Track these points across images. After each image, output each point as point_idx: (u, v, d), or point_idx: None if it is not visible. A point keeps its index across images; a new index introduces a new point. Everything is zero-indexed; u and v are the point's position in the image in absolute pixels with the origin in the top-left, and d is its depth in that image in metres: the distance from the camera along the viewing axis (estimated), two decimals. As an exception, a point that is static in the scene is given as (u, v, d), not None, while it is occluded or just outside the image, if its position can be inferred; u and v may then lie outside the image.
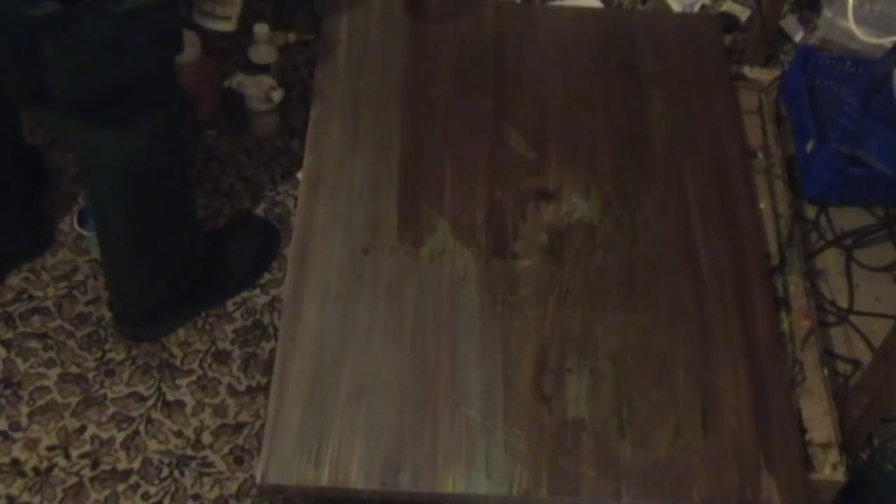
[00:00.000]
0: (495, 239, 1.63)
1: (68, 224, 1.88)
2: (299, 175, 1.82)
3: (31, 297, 1.81)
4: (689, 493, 1.42)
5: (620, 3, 2.28)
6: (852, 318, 1.82)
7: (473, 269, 1.59)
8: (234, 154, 2.01)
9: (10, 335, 1.76)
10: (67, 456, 1.66)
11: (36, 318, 1.78)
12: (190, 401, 1.72)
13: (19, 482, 1.62)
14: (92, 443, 1.67)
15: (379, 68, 1.83)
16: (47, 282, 1.83)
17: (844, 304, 1.83)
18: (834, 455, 1.53)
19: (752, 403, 1.49)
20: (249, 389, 1.74)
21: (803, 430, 1.54)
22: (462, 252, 1.61)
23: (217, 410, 1.71)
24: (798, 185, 1.95)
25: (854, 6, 1.97)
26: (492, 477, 1.41)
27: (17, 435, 1.67)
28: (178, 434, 1.69)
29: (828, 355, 1.72)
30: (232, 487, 1.64)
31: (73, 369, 1.74)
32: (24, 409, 1.69)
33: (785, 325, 1.65)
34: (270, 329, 1.80)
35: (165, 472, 1.65)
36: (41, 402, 1.70)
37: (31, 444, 1.66)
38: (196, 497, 1.63)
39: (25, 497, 1.61)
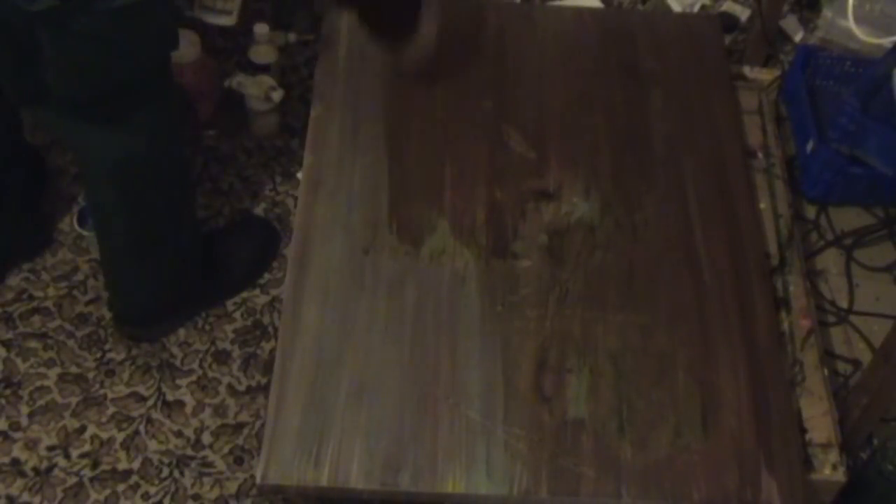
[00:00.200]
0: (495, 239, 1.63)
1: (68, 224, 1.88)
2: (299, 175, 1.81)
3: (31, 297, 1.81)
4: (689, 493, 1.41)
5: (620, 3, 2.28)
6: (852, 318, 1.82)
7: (473, 269, 1.59)
8: (234, 154, 2.01)
9: (10, 335, 1.76)
10: (67, 456, 1.66)
11: (36, 318, 1.78)
12: (190, 401, 1.72)
13: (19, 482, 1.62)
14: (92, 443, 1.67)
15: (379, 68, 1.82)
16: (47, 282, 1.83)
17: (844, 304, 1.83)
18: (834, 455, 1.53)
19: (752, 403, 1.49)
20: (249, 389, 1.74)
21: (803, 431, 1.54)
22: (462, 252, 1.61)
23: (217, 410, 1.71)
24: (798, 185, 1.95)
25: (854, 6, 1.97)
26: (492, 477, 1.41)
27: (17, 435, 1.67)
28: (178, 434, 1.69)
29: (828, 355, 1.72)
30: (232, 487, 1.64)
31: (73, 369, 1.74)
32: (24, 409, 1.69)
33: (785, 325, 1.65)
34: (270, 329, 1.80)
35: (165, 472, 1.65)
36: (41, 402, 1.70)
37: (31, 444, 1.66)
38: (196, 497, 1.63)
39: (25, 497, 1.61)
